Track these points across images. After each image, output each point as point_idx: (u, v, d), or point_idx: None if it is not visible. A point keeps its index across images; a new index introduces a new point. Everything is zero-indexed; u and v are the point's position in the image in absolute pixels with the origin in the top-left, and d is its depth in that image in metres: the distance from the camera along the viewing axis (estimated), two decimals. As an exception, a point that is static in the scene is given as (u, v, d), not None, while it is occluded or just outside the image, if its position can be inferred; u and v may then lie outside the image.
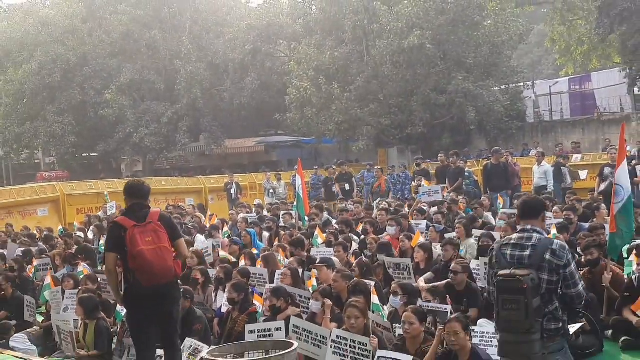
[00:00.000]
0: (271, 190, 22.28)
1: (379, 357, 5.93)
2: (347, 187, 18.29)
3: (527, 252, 4.59)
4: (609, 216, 8.40)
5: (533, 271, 4.47)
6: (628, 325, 7.13)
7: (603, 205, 11.30)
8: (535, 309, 4.38)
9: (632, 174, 12.80)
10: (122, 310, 7.69)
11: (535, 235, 4.69)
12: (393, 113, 27.40)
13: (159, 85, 33.18)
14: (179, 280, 6.55)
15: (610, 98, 30.44)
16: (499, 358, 6.68)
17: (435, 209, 13.31)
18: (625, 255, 8.59)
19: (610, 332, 7.34)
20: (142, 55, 33.97)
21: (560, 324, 4.60)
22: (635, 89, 28.48)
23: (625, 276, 7.91)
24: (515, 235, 4.79)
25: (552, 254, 4.58)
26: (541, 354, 4.48)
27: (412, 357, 5.86)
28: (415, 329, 6.09)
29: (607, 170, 14.38)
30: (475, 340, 6.84)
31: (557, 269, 4.56)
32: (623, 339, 7.12)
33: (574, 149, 25.12)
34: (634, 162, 15.01)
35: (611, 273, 7.61)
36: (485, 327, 7.41)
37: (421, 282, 8.58)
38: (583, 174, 17.69)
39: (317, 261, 9.08)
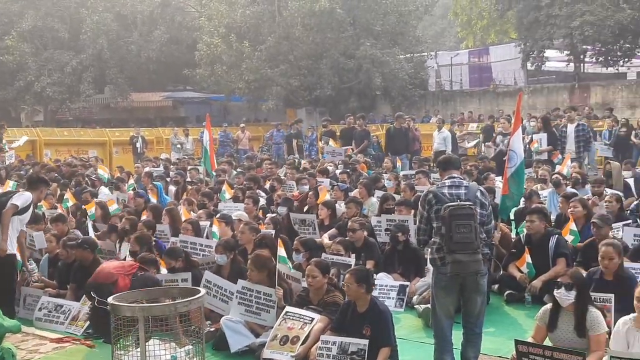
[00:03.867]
0: (178, 146, 22.11)
1: (286, 312, 6.13)
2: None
3: (463, 191, 5.38)
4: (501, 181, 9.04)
5: (471, 204, 5.23)
6: (512, 280, 7.75)
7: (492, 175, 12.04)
8: (477, 233, 5.13)
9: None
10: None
11: (463, 180, 5.63)
12: (303, 75, 27.61)
13: (63, 33, 31.61)
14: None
15: (505, 71, 31.86)
16: (396, 308, 7.35)
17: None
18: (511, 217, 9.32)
19: (496, 286, 7.96)
20: (45, 2, 32.17)
21: (487, 250, 5.46)
22: (528, 64, 29.94)
23: (513, 235, 8.58)
24: (447, 181, 5.49)
25: (481, 193, 5.49)
26: (482, 271, 5.26)
27: (317, 314, 6.06)
28: (318, 281, 6.29)
29: (499, 138, 15.26)
30: (374, 293, 7.33)
31: (484, 205, 5.43)
32: (507, 292, 7.73)
33: (469, 118, 26.35)
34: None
35: (500, 232, 8.24)
36: (384, 280, 7.92)
37: (325, 239, 8.94)
38: (471, 143, 18.62)
39: (217, 216, 9.23)
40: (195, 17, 33.05)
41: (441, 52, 35.93)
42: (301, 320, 6.08)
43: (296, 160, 15.21)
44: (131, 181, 13.69)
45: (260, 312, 6.51)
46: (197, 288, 5.46)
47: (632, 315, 5.02)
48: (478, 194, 5.45)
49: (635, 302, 4.96)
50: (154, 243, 8.41)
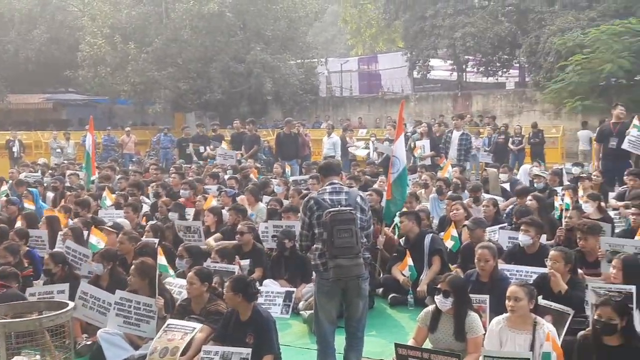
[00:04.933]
0: (58, 150, 21.10)
1: (168, 324, 5.95)
2: (201, 149, 17.59)
3: (343, 196, 5.42)
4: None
5: (352, 209, 5.28)
6: (396, 283, 7.90)
7: (382, 177, 12.30)
8: (359, 237, 5.19)
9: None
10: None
11: (344, 186, 5.69)
12: (192, 78, 27.14)
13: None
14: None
15: (393, 79, 32.74)
16: (282, 315, 7.30)
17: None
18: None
19: (381, 289, 8.08)
20: None
21: (367, 254, 5.51)
22: (415, 72, 30.91)
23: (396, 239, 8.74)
24: (328, 187, 5.51)
25: (361, 199, 5.56)
26: (364, 275, 5.32)
27: (200, 324, 5.92)
28: (196, 289, 6.15)
29: (385, 143, 15.61)
30: (260, 300, 7.24)
31: (364, 210, 5.50)
32: (391, 295, 7.88)
33: (360, 124, 26.86)
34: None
35: (385, 236, 8.39)
36: (270, 286, 7.85)
37: (211, 242, 8.76)
38: (362, 151, 18.93)
39: (109, 224, 8.89)
40: (77, 17, 31.66)
41: (331, 58, 36.43)
42: (182, 330, 5.90)
43: (183, 166, 14.84)
44: (4, 187, 12.85)
45: (140, 323, 6.26)
46: (66, 301, 5.16)
47: (504, 315, 5.21)
48: (358, 199, 5.50)
49: (507, 302, 5.15)
50: (26, 252, 7.94)
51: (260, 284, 7.66)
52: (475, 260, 6.44)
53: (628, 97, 20.82)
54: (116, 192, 11.65)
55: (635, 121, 11.24)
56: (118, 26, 26.65)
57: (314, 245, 5.40)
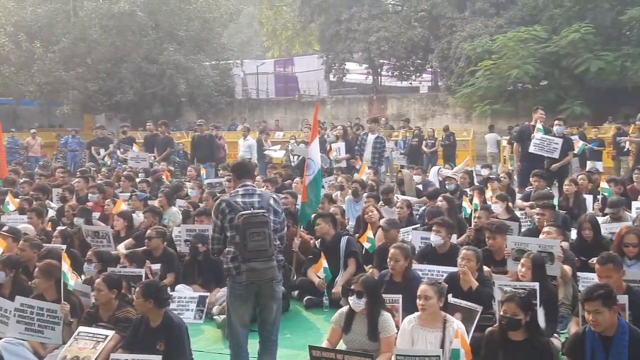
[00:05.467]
0: (-44, 153, 19.89)
1: (79, 332, 5.71)
2: (101, 152, 16.77)
3: (256, 199, 5.36)
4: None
5: (265, 212, 5.23)
6: (311, 285, 7.88)
7: (297, 178, 12.29)
8: (272, 240, 5.15)
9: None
10: None
11: (256, 188, 5.56)
12: (101, 79, 26.37)
13: None
14: None
15: (310, 82, 32.91)
16: (196, 320, 7.14)
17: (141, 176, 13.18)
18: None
19: (296, 292, 8.04)
20: None
21: (281, 256, 5.50)
22: (331, 75, 31.17)
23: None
24: (240, 190, 5.43)
25: (274, 201, 5.50)
26: (278, 278, 5.31)
27: (112, 332, 5.71)
28: (103, 296, 5.95)
29: (301, 146, 15.62)
30: (173, 305, 7.07)
31: (278, 213, 5.46)
32: (307, 298, 7.85)
33: (276, 126, 26.81)
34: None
35: (300, 239, 8.36)
36: (183, 292, 7.67)
37: (121, 249, 8.49)
38: (279, 153, 18.90)
39: (4, 229, 8.42)
40: (-22, 14, 30.19)
41: (247, 60, 36.25)
42: (94, 339, 5.69)
43: (91, 169, 14.32)
44: None
45: (44, 330, 5.98)
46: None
47: (416, 313, 5.28)
48: (271, 201, 5.45)
49: (417, 300, 5.22)
50: None
51: (173, 290, 7.53)
52: (388, 260, 6.51)
53: (533, 102, 21.74)
54: (20, 197, 11.10)
55: (538, 125, 11.70)
56: (22, 24, 25.62)
57: (226, 249, 5.30)
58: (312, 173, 8.37)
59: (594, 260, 6.06)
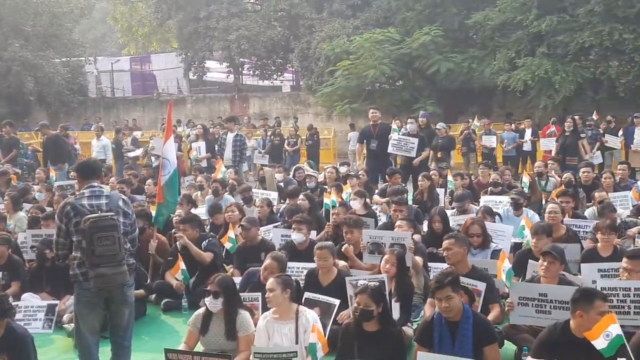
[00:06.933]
0: None
1: None
2: None
3: (104, 201, 5.10)
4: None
5: (113, 214, 4.99)
6: (169, 288, 7.66)
7: (150, 180, 11.95)
8: (122, 244, 4.93)
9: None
10: None
11: (104, 189, 5.29)
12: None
13: None
14: None
15: (169, 80, 32.19)
16: (45, 330, 6.76)
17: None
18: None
19: (153, 296, 7.80)
20: None
21: (132, 260, 5.25)
22: (190, 73, 30.66)
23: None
24: (86, 191, 5.14)
25: (123, 202, 5.28)
26: (129, 283, 5.10)
27: None
28: None
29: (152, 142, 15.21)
30: (19, 315, 6.65)
31: (128, 214, 5.25)
32: (165, 301, 7.64)
33: (134, 125, 25.96)
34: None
35: (157, 241, 8.12)
36: (29, 300, 7.23)
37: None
38: (137, 152, 18.33)
39: None
40: None
41: (101, 57, 34.90)
42: None
43: None
44: None
45: None
46: None
47: (272, 309, 5.30)
48: (120, 202, 5.23)
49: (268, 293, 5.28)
50: None
51: (19, 299, 7.15)
52: (262, 268, 6.42)
53: (390, 101, 22.60)
54: None
55: (393, 125, 12.18)
56: None
57: (72, 254, 5.01)
58: (168, 173, 8.13)
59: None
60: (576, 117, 14.53)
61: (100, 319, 5.15)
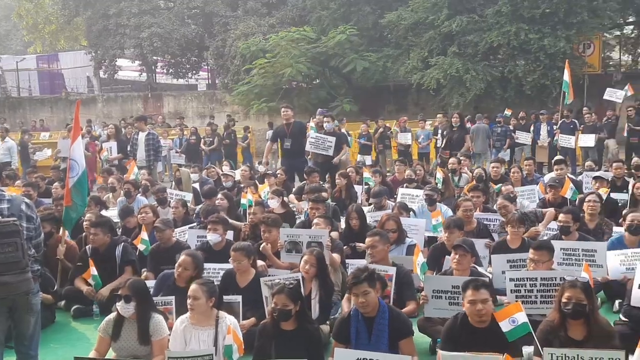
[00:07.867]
0: None
1: None
2: None
3: (5, 205, 4.88)
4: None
5: (15, 219, 4.74)
6: (80, 294, 7.38)
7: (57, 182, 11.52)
8: (25, 250, 4.70)
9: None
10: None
11: (5, 193, 5.05)
12: None
13: None
14: None
15: (78, 79, 31.14)
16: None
17: None
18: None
19: (62, 302, 7.48)
20: None
21: (37, 266, 5.09)
22: (101, 72, 29.77)
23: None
24: None
25: (27, 206, 5.04)
26: (34, 290, 4.88)
27: None
28: None
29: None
30: None
31: (31, 219, 5.03)
32: (75, 307, 7.33)
33: (41, 126, 24.97)
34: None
35: (65, 245, 7.79)
36: None
37: None
38: (43, 154, 17.63)
39: None
40: None
41: (6, 56, 33.43)
42: None
43: None
44: None
45: None
46: None
47: (187, 314, 5.16)
48: (23, 207, 4.98)
49: (187, 300, 5.13)
50: None
51: None
52: (176, 266, 6.27)
53: (307, 99, 22.68)
54: None
55: (310, 123, 12.19)
56: None
57: None
58: (76, 175, 7.83)
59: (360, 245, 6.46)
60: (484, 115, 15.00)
61: (5, 328, 4.88)
